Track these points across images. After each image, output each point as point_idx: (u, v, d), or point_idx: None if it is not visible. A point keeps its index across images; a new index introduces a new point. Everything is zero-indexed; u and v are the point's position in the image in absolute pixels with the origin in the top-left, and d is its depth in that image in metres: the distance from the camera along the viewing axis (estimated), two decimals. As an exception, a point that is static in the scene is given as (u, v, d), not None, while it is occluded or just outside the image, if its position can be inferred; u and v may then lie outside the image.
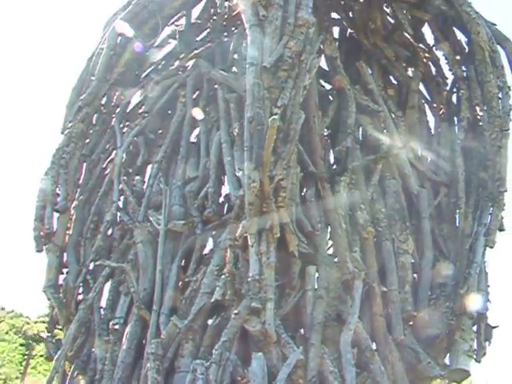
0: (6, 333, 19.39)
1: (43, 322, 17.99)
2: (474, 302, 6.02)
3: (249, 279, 5.36)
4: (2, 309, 21.25)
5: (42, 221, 6.41)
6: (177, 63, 7.09)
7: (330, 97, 7.01)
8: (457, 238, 6.50)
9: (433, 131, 7.12)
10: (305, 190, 6.23)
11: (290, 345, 5.31)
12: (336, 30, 7.43)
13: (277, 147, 5.59)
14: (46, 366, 16.67)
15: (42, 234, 6.39)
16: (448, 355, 6.10)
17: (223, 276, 5.56)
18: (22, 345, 18.92)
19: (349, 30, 7.24)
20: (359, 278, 5.80)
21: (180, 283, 6.00)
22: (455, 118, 6.97)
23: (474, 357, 6.13)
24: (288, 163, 5.69)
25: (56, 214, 6.50)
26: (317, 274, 5.84)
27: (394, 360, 5.85)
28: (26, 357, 17.95)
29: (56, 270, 6.35)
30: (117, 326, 5.86)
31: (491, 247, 6.42)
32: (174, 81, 6.94)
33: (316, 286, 5.74)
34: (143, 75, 7.29)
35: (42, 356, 16.79)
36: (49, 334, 6.32)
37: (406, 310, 6.03)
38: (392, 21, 7.17)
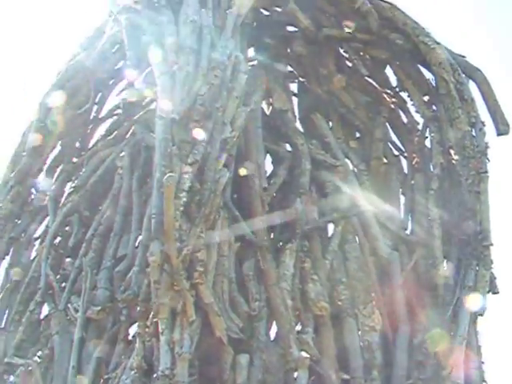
0: None
1: None
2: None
3: (158, 374, 4.03)
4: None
5: (-41, 314, 5.26)
6: (115, 133, 5.94)
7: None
8: (438, 306, 4.99)
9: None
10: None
11: None
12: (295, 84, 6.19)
13: (191, 212, 4.33)
14: None
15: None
16: None
17: (132, 372, 4.24)
18: None
19: (300, 79, 5.96)
20: (303, 365, 4.33)
21: (102, 382, 4.69)
22: (431, 166, 5.55)
23: None
24: (209, 230, 4.40)
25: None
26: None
27: None
28: None
29: (-32, 369, 5.12)
30: None
31: (481, 315, 4.89)
32: (110, 151, 5.79)
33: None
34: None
35: None
36: None
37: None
38: (349, 64, 5.88)
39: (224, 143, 4.55)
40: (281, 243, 4.98)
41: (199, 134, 4.42)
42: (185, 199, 4.25)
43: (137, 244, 5.12)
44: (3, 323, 5.40)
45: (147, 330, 4.25)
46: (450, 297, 4.93)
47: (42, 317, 5.32)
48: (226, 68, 4.61)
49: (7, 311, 5.44)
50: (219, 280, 4.50)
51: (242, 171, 5.03)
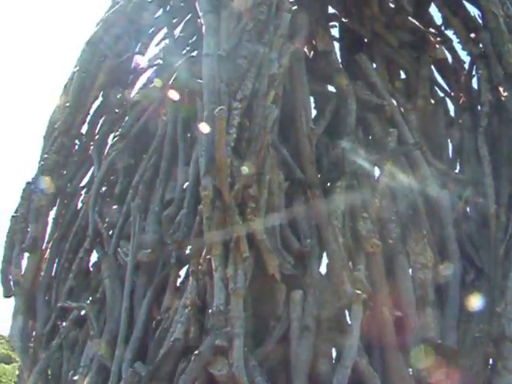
0: None
1: None
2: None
3: (212, 310, 3.94)
4: None
5: (11, 262, 5.22)
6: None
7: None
8: (490, 244, 4.83)
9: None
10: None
11: (266, 392, 3.79)
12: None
13: (241, 149, 4.21)
14: None
15: (10, 277, 5.21)
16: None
17: (186, 310, 4.16)
18: None
19: (343, 20, 5.75)
20: (358, 301, 4.22)
21: (154, 323, 4.63)
22: (479, 107, 5.34)
23: (526, 391, 4.41)
24: (260, 168, 4.28)
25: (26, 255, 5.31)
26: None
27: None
28: None
29: (22, 315, 5.08)
30: (76, 377, 4.52)
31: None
32: (154, 98, 5.67)
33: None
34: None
35: None
36: (17, 391, 5.05)
37: (429, 338, 4.42)
38: (392, 5, 5.67)
39: (272, 79, 4.41)
40: (329, 182, 4.85)
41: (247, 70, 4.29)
42: (235, 135, 4.15)
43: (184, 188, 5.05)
44: (53, 272, 5.41)
45: (200, 267, 4.17)
46: (502, 234, 4.80)
47: (90, 264, 5.32)
48: (271, 4, 4.45)
49: (57, 260, 5.45)
50: (270, 218, 4.39)
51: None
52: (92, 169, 5.73)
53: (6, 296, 5.14)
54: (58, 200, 5.59)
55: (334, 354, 4.23)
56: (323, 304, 4.24)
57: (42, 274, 5.30)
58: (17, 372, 5.30)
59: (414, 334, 4.39)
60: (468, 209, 5.07)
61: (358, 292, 4.27)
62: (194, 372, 3.82)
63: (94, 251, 5.21)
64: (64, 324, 4.85)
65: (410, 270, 4.69)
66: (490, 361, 4.51)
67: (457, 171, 5.30)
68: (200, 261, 4.16)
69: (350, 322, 4.21)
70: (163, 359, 4.12)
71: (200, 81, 5.22)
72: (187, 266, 4.63)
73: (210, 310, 3.93)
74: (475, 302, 4.54)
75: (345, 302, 4.23)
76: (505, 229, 4.74)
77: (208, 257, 4.10)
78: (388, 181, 4.94)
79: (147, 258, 4.70)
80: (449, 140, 5.49)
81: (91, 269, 5.24)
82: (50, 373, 4.91)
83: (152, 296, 4.64)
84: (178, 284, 4.66)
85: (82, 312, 4.88)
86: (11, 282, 5.17)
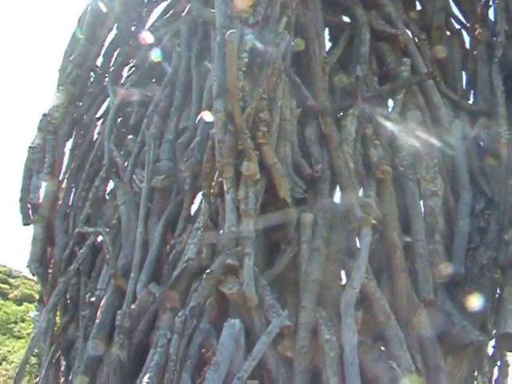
0: None
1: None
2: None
3: (223, 230, 4.03)
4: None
5: (29, 191, 5.33)
6: (171, 12, 5.81)
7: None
8: (501, 174, 4.84)
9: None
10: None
11: (275, 309, 3.88)
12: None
13: (253, 74, 4.22)
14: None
15: (28, 205, 5.32)
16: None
17: (199, 232, 4.24)
18: None
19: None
20: (366, 224, 4.26)
21: (168, 247, 4.73)
22: (494, 38, 5.29)
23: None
24: (271, 93, 4.30)
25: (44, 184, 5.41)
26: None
27: (421, 326, 4.27)
28: None
29: (41, 242, 5.20)
30: (93, 299, 4.65)
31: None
32: (167, 30, 5.67)
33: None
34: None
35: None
36: (37, 313, 5.19)
37: (437, 264, 4.47)
38: None
39: (284, 5, 4.39)
40: (342, 110, 4.86)
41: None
42: (246, 60, 4.15)
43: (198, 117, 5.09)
44: (71, 200, 5.51)
45: (212, 190, 4.24)
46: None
47: (107, 192, 5.41)
48: None
49: (74, 189, 5.55)
50: (282, 144, 4.43)
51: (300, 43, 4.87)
52: (107, 100, 5.85)
53: (25, 224, 5.27)
54: (75, 131, 5.70)
55: (343, 276, 4.33)
56: (333, 227, 4.31)
57: (60, 202, 5.43)
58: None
59: (422, 260, 4.46)
60: (480, 139, 5.07)
61: (368, 215, 4.33)
62: (206, 290, 3.93)
63: (110, 180, 5.34)
64: (81, 250, 4.97)
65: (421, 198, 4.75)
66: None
67: (470, 102, 5.28)
68: (212, 184, 4.22)
69: (358, 245, 4.29)
70: (177, 280, 4.24)
71: (213, 10, 5.27)
72: (201, 193, 4.74)
73: (221, 231, 4.02)
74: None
75: (354, 225, 4.30)
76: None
77: (220, 179, 4.17)
78: (400, 109, 4.96)
79: (161, 184, 4.79)
80: (463, 72, 5.47)
81: (107, 197, 5.40)
82: (68, 296, 5.11)
83: (166, 221, 4.73)
84: (191, 211, 4.76)
85: (99, 238, 5.03)
86: (30, 211, 5.31)
